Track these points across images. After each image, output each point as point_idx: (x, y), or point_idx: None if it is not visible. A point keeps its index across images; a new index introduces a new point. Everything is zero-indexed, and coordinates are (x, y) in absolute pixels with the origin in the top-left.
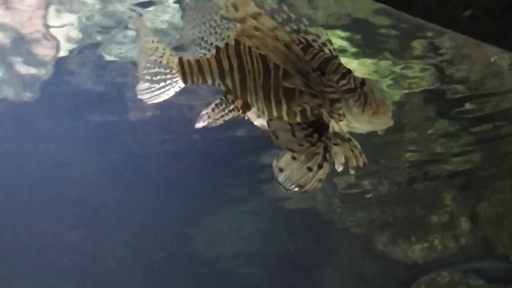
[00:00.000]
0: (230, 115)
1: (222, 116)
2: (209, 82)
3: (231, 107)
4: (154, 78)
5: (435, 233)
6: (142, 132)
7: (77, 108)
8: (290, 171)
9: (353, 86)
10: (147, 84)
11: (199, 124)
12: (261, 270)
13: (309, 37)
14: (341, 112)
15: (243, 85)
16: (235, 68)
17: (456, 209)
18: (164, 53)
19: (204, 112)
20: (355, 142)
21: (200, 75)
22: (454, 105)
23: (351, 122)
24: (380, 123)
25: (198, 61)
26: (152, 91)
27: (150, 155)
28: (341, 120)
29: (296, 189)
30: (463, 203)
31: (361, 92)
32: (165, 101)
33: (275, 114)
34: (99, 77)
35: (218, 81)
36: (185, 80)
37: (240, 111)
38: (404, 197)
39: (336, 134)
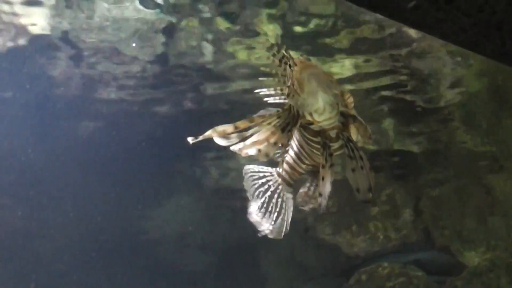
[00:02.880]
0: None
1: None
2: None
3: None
4: (269, 209)
5: (377, 224)
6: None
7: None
8: (361, 184)
9: (289, 77)
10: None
11: (306, 208)
12: (203, 259)
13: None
14: (306, 113)
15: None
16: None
17: (398, 200)
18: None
19: (302, 190)
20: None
21: (296, 172)
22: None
23: (309, 107)
24: (309, 77)
25: (287, 163)
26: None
27: (90, 138)
28: (313, 119)
29: (371, 193)
30: (405, 195)
31: (292, 78)
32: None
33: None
34: None
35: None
36: (290, 185)
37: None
38: (346, 187)
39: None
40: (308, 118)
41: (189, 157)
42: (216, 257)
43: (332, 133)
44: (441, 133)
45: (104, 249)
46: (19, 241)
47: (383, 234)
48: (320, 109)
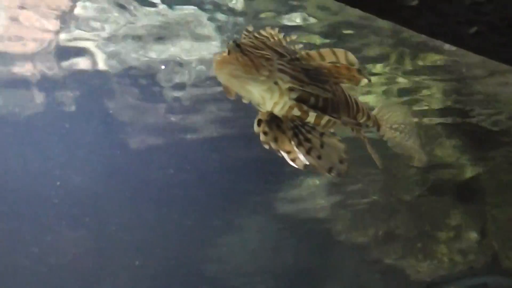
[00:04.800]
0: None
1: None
2: None
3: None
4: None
5: (443, 248)
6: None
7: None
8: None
9: None
10: None
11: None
12: (265, 286)
13: None
14: (258, 108)
15: None
16: None
17: (464, 224)
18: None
19: None
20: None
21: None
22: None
23: (252, 102)
24: (226, 78)
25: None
26: None
27: (160, 166)
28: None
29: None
30: (470, 218)
31: None
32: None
33: None
34: None
35: None
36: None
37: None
38: (411, 211)
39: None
40: (263, 111)
41: (263, 176)
42: (282, 285)
43: (296, 112)
44: (506, 155)
45: (168, 278)
46: (87, 272)
47: (449, 258)
48: (260, 101)
